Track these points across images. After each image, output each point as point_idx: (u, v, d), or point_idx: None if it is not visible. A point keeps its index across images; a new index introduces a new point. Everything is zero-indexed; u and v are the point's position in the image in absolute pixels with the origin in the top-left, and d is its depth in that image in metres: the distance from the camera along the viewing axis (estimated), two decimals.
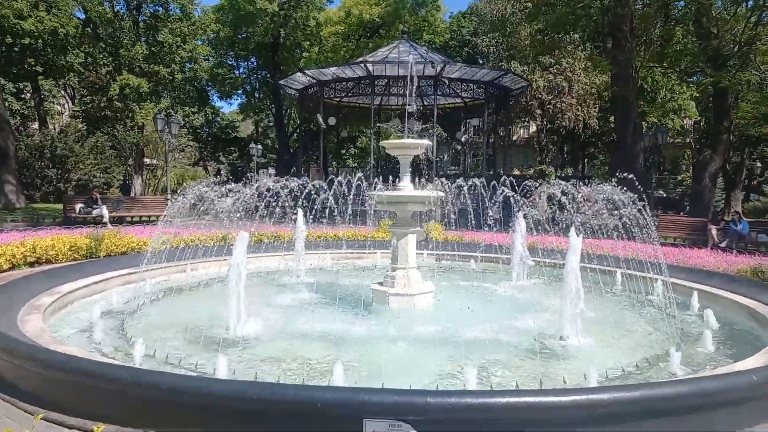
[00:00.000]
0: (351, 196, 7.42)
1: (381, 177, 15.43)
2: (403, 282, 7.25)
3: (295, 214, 9.84)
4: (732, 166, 31.18)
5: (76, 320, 6.36)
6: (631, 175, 11.68)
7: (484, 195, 8.40)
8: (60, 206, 19.64)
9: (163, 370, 4.66)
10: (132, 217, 18.91)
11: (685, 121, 32.42)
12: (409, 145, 7.45)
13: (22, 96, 37.30)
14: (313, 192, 8.34)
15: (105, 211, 16.95)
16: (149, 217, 18.48)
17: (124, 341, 5.63)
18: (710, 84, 21.23)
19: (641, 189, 7.91)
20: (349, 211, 7.75)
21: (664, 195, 34.12)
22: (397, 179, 7.77)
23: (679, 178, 38.30)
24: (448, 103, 27.95)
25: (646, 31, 23.34)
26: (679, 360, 4.75)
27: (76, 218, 16.67)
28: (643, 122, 28.44)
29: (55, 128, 39.48)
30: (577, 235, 5.91)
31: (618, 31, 20.90)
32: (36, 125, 34.92)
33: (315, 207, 8.55)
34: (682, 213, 26.02)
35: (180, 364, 4.79)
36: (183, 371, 4.63)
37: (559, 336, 5.73)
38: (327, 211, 8.35)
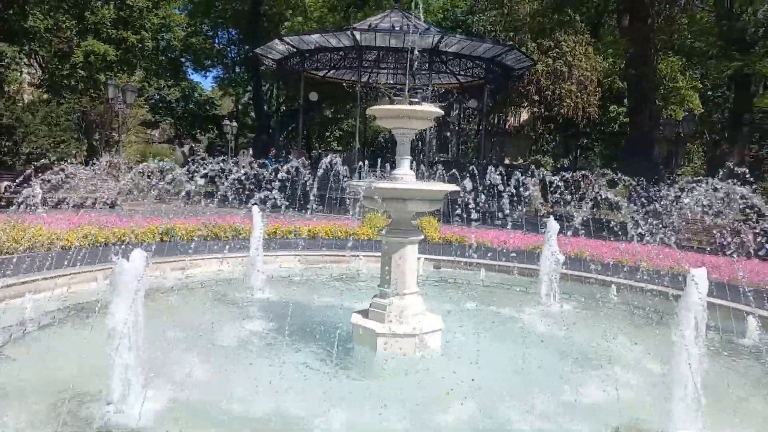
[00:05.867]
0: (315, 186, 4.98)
1: (365, 162, 13.03)
2: (397, 315, 4.94)
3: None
4: None
5: None
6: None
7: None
8: None
9: None
10: (75, 198, 16.19)
11: (686, 114, 30.60)
12: (412, 113, 4.91)
13: None
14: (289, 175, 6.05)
15: (38, 190, 14.23)
16: (96, 198, 15.78)
17: None
18: (736, 69, 19.14)
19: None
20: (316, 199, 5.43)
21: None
22: (389, 165, 5.41)
23: (680, 172, 36.42)
24: (443, 83, 25.50)
25: (664, 6, 21.12)
26: None
27: (1, 198, 14.02)
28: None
29: (22, 98, 36.08)
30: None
31: (637, 4, 18.62)
32: None
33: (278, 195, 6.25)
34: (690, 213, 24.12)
35: None
36: None
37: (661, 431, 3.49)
38: (300, 199, 6.09)
